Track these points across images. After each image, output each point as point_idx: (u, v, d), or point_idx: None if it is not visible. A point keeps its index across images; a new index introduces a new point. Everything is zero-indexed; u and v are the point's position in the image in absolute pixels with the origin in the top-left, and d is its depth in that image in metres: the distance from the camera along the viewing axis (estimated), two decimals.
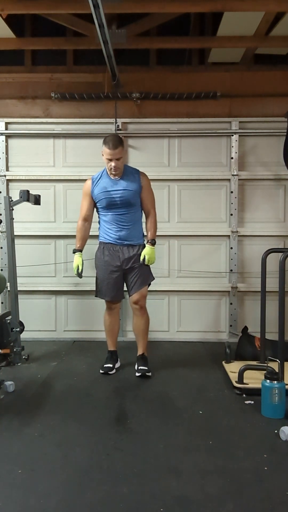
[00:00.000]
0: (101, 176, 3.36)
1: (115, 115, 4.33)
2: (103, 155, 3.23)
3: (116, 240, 3.36)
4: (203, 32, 4.35)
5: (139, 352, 3.46)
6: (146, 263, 3.37)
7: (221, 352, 3.65)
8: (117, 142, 3.17)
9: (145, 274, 3.41)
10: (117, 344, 3.60)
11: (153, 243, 3.41)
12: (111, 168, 3.23)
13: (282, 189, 4.40)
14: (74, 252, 3.46)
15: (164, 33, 4.30)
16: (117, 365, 3.50)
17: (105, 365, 3.41)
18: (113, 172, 3.24)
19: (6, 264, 3.93)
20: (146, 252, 3.38)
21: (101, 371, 3.38)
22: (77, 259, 3.42)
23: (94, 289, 3.51)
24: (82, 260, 3.43)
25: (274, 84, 4.33)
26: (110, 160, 3.19)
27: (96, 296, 3.53)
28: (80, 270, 3.40)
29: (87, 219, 3.47)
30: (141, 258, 3.36)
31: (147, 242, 3.42)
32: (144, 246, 3.42)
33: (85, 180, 4.36)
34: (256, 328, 3.43)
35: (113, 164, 3.19)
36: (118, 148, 3.16)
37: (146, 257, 3.36)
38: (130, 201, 3.32)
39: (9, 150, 4.44)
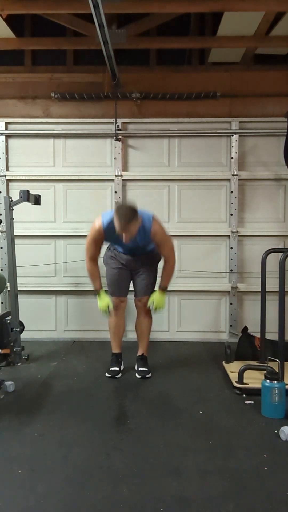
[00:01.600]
0: (111, 226, 3.00)
1: (115, 115, 4.33)
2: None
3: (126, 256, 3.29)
4: (203, 32, 4.35)
5: (139, 352, 3.44)
6: (153, 309, 3.25)
7: (221, 352, 3.66)
8: (129, 219, 2.86)
9: (152, 282, 3.33)
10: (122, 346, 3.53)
11: (164, 289, 3.23)
12: (122, 237, 2.97)
13: (282, 189, 4.41)
14: (96, 294, 3.28)
15: (164, 33, 4.30)
16: (122, 367, 3.43)
17: (111, 369, 3.32)
18: (124, 240, 2.98)
19: (6, 264, 3.93)
20: (155, 297, 3.23)
21: (107, 375, 3.30)
22: (102, 299, 3.26)
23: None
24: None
25: (274, 84, 4.33)
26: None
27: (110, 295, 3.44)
28: (111, 308, 3.26)
29: (96, 259, 3.30)
30: (149, 303, 3.25)
31: (159, 287, 3.26)
32: (154, 256, 3.26)
33: (85, 180, 4.42)
34: (256, 328, 3.43)
35: (124, 236, 2.94)
36: (129, 226, 2.89)
37: (154, 303, 3.21)
38: (144, 248, 3.23)
39: (9, 150, 4.44)
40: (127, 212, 2.89)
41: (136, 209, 2.95)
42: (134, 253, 3.26)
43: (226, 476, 2.00)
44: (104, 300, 3.26)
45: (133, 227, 2.91)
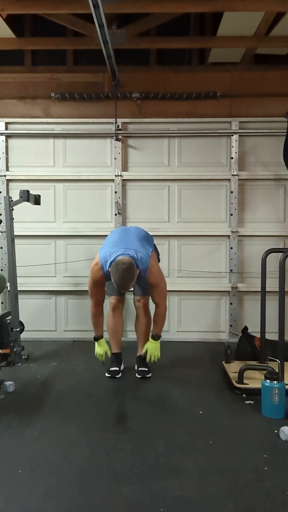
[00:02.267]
0: (109, 270, 2.93)
1: (115, 115, 4.33)
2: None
3: None
4: (203, 32, 4.35)
5: (139, 352, 3.42)
6: (147, 359, 3.12)
7: (221, 352, 3.65)
8: (127, 279, 2.82)
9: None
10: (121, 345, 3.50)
11: (156, 338, 3.12)
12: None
13: (282, 189, 4.41)
14: (96, 340, 3.20)
15: (164, 33, 4.30)
16: (122, 367, 3.41)
17: (111, 369, 3.30)
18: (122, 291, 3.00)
19: (6, 264, 3.93)
20: (148, 346, 3.12)
21: (107, 375, 3.29)
22: (101, 346, 3.18)
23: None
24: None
25: (274, 84, 4.33)
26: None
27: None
28: (109, 355, 3.21)
29: (101, 304, 3.19)
30: (143, 352, 3.16)
31: (151, 336, 3.16)
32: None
33: (85, 180, 4.42)
34: (256, 328, 3.43)
35: (122, 290, 2.95)
36: (127, 284, 2.85)
37: (148, 352, 3.10)
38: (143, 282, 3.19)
39: (9, 150, 4.44)
40: (125, 274, 2.80)
41: (133, 265, 2.84)
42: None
43: (226, 476, 2.00)
44: (103, 347, 3.18)
45: (130, 285, 2.88)
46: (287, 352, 2.89)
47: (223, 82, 4.36)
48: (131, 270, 2.83)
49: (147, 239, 3.29)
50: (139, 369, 3.31)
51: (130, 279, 2.84)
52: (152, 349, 3.10)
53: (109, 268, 2.90)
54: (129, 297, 3.55)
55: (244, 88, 4.35)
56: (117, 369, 3.32)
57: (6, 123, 4.41)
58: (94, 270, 3.04)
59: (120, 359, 3.44)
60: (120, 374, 3.32)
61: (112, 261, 2.89)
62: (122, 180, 4.41)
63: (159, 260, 3.27)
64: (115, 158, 4.40)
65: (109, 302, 3.40)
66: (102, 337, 3.20)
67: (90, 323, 4.39)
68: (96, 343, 3.20)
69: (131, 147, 4.43)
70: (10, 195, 3.92)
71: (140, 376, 3.27)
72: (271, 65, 4.37)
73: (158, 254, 3.35)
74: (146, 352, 3.11)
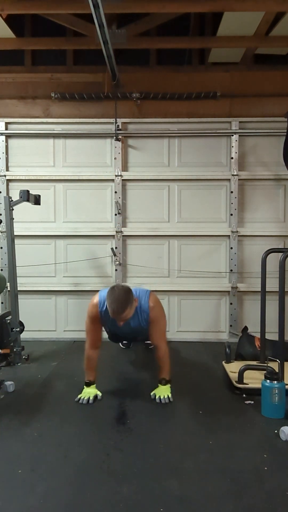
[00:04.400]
0: (106, 310, 2.76)
1: (115, 115, 4.33)
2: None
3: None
4: (203, 32, 4.35)
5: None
6: (157, 400, 2.84)
7: (221, 352, 3.65)
8: (122, 304, 2.61)
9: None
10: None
11: (164, 383, 2.92)
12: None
13: (282, 189, 4.41)
14: (87, 386, 2.92)
15: (164, 33, 4.30)
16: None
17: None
18: (118, 323, 2.75)
19: (6, 264, 3.93)
20: (156, 391, 2.90)
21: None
22: (91, 389, 2.89)
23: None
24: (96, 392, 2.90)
25: (274, 84, 4.33)
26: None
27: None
28: (98, 397, 2.87)
29: (97, 347, 2.97)
30: (151, 395, 2.90)
31: (159, 381, 2.94)
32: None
33: (85, 180, 4.42)
34: (256, 328, 3.43)
35: (118, 323, 2.73)
36: (123, 312, 2.63)
37: (157, 395, 2.87)
38: (139, 334, 3.07)
39: (9, 150, 4.44)
40: (121, 296, 2.63)
41: (131, 292, 2.69)
42: (128, 337, 3.16)
43: (226, 476, 2.00)
44: (92, 392, 2.87)
45: (127, 312, 2.64)
46: (287, 352, 2.89)
47: (223, 82, 4.36)
48: (128, 295, 2.65)
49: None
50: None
51: (126, 303, 2.61)
52: (160, 392, 2.88)
53: (106, 307, 2.72)
54: None
55: (244, 88, 4.35)
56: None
57: (6, 123, 4.41)
58: (91, 307, 2.90)
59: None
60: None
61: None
62: (122, 180, 4.41)
63: None
64: (115, 158, 4.40)
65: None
66: (94, 383, 2.93)
67: None
68: (85, 386, 2.92)
69: (131, 147, 4.43)
70: (10, 195, 3.92)
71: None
72: (271, 65, 4.37)
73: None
74: (155, 395, 2.88)
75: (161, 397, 2.84)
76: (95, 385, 2.94)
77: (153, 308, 2.87)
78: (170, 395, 2.86)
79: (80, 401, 2.82)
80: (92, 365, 2.95)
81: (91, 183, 4.44)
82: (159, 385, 2.93)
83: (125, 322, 2.72)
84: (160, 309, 2.95)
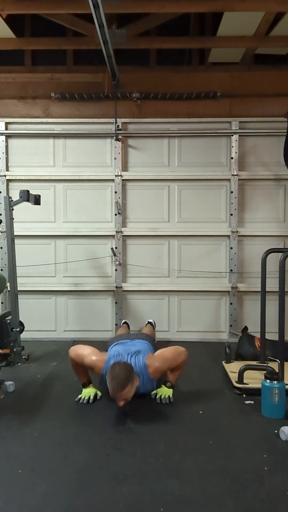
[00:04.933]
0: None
1: (115, 115, 4.33)
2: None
3: None
4: (203, 32, 4.35)
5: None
6: (158, 399, 2.83)
7: (221, 352, 3.65)
8: (123, 385, 2.48)
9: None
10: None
11: (169, 386, 2.89)
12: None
13: (282, 189, 4.41)
14: (84, 387, 2.90)
15: (164, 33, 4.30)
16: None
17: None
18: (117, 403, 2.56)
19: (6, 264, 3.93)
20: (158, 390, 2.88)
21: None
22: (91, 388, 2.89)
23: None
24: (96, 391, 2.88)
25: (274, 84, 4.33)
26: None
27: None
28: (98, 396, 2.87)
29: (83, 366, 2.86)
30: (152, 394, 2.86)
31: (164, 382, 2.91)
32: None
33: (85, 180, 4.42)
34: (256, 328, 3.43)
35: (117, 400, 2.53)
36: (123, 392, 2.49)
37: (158, 394, 2.85)
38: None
39: (9, 150, 4.44)
40: (121, 374, 2.50)
41: (133, 370, 2.58)
42: None
43: (226, 476, 2.00)
44: (91, 392, 2.86)
45: (127, 390, 2.50)
46: (287, 352, 2.89)
47: (223, 82, 4.36)
48: (129, 372, 2.54)
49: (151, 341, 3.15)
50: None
51: (127, 380, 2.49)
52: (162, 392, 2.86)
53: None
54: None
55: (244, 88, 4.35)
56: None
57: (6, 123, 4.41)
58: (98, 359, 2.79)
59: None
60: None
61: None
62: (122, 180, 4.41)
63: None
64: (115, 158, 4.40)
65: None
66: (90, 382, 2.91)
67: (90, 323, 4.44)
68: (84, 389, 2.89)
69: (131, 147, 4.43)
70: (10, 195, 3.92)
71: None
72: (271, 65, 4.37)
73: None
74: (156, 394, 2.86)
75: (162, 397, 2.83)
76: (92, 384, 2.93)
77: (150, 365, 2.73)
78: (171, 396, 2.85)
79: (80, 401, 2.82)
80: (81, 370, 2.88)
81: (91, 183, 4.44)
82: (162, 385, 2.91)
83: (125, 402, 2.55)
84: (156, 361, 2.78)
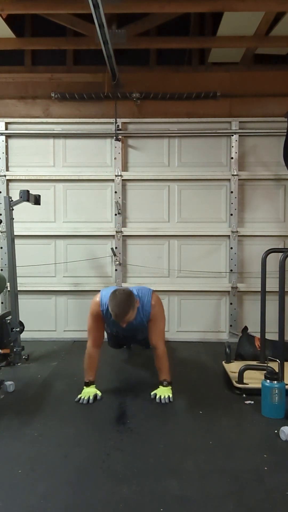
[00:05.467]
0: (108, 310, 2.79)
1: (115, 115, 4.33)
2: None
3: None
4: (203, 32, 4.35)
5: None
6: (157, 400, 2.83)
7: (221, 352, 3.65)
8: (124, 308, 2.65)
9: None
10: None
11: (166, 385, 2.90)
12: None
13: (282, 189, 4.41)
14: (87, 386, 2.90)
15: (164, 33, 4.30)
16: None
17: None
18: (123, 325, 2.76)
19: (6, 264, 3.93)
20: (157, 391, 2.89)
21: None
22: (92, 388, 2.89)
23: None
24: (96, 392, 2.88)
25: (274, 84, 4.33)
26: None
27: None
28: (98, 397, 2.86)
29: (99, 345, 2.98)
30: (151, 395, 2.87)
31: (160, 383, 2.92)
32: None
33: (85, 180, 4.42)
34: (256, 328, 3.43)
35: (121, 325, 2.74)
36: (126, 315, 2.67)
37: (158, 395, 2.86)
38: (139, 333, 3.10)
39: (9, 150, 4.44)
40: (123, 301, 2.66)
41: (133, 295, 2.73)
42: (128, 335, 3.18)
43: (226, 476, 2.00)
44: (92, 392, 2.85)
45: (130, 315, 2.68)
46: (287, 352, 2.89)
47: (223, 82, 4.36)
48: (130, 298, 2.69)
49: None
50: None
51: (128, 307, 2.66)
52: (161, 392, 2.86)
53: (108, 307, 2.76)
54: None
55: (244, 88, 4.35)
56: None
57: (6, 123, 4.41)
58: (93, 305, 2.92)
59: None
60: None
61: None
62: (122, 180, 4.41)
63: None
64: (115, 158, 4.40)
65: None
66: (94, 383, 2.92)
67: None
68: (85, 387, 2.89)
69: (131, 147, 4.43)
70: (10, 195, 3.92)
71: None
72: (271, 65, 4.37)
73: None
74: (155, 394, 2.87)
75: (162, 397, 2.83)
76: (94, 385, 2.93)
77: (154, 306, 2.90)
78: (171, 395, 2.85)
79: (80, 401, 2.81)
80: (93, 365, 2.94)
81: (91, 183, 4.44)
82: (160, 386, 2.92)
83: (128, 323, 2.74)
84: (160, 309, 2.97)
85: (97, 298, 2.93)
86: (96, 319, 2.94)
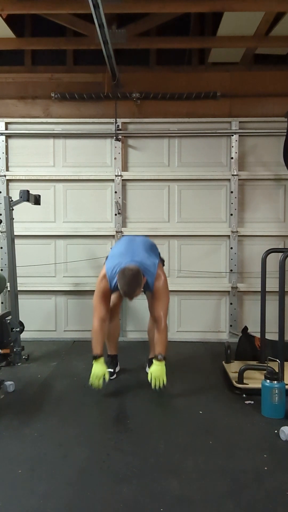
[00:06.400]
0: (114, 276, 2.88)
1: (115, 115, 4.33)
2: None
3: None
4: (203, 32, 4.35)
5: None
6: (153, 386, 2.82)
7: (221, 352, 3.65)
8: (133, 286, 2.77)
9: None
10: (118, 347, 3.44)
11: (160, 359, 2.86)
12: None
13: (282, 189, 4.41)
14: (95, 359, 2.91)
15: (164, 33, 4.30)
16: (117, 369, 3.38)
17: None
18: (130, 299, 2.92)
19: (6, 264, 3.93)
20: (153, 370, 2.86)
21: None
22: (100, 367, 2.88)
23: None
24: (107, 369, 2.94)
25: (274, 84, 4.34)
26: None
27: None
28: (106, 379, 2.89)
29: (106, 319, 3.02)
30: (148, 378, 2.87)
31: (154, 357, 2.94)
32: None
33: (85, 180, 4.42)
34: (256, 328, 3.43)
35: (130, 300, 2.92)
36: (133, 292, 2.80)
37: (153, 377, 2.82)
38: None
39: (9, 150, 4.44)
40: (132, 281, 2.75)
41: (140, 274, 2.79)
42: None
43: (226, 476, 2.00)
44: (102, 369, 2.87)
45: (137, 292, 2.82)
46: (287, 352, 2.89)
47: (223, 82, 4.36)
48: (138, 277, 2.78)
49: (153, 249, 3.23)
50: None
51: (136, 286, 2.78)
52: (156, 372, 2.83)
53: (115, 279, 2.85)
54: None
55: (244, 88, 4.35)
56: (112, 370, 3.27)
57: (6, 123, 4.41)
58: (100, 282, 2.97)
59: (116, 361, 3.41)
60: (114, 376, 3.29)
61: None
62: (122, 180, 4.41)
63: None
64: (115, 158, 4.40)
65: None
66: (102, 356, 2.93)
67: (90, 323, 4.41)
68: (94, 362, 2.91)
69: (131, 147, 4.43)
70: (10, 195, 3.91)
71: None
72: (271, 65, 4.37)
73: (163, 264, 3.27)
74: (151, 377, 2.86)
75: (156, 384, 2.81)
76: (103, 357, 2.93)
77: (157, 285, 2.96)
78: (165, 379, 2.84)
79: (92, 386, 2.84)
80: (101, 338, 2.97)
81: (91, 183, 4.44)
82: (154, 361, 2.89)
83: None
84: (164, 285, 3.01)
85: (102, 272, 2.99)
86: (103, 295, 2.99)
